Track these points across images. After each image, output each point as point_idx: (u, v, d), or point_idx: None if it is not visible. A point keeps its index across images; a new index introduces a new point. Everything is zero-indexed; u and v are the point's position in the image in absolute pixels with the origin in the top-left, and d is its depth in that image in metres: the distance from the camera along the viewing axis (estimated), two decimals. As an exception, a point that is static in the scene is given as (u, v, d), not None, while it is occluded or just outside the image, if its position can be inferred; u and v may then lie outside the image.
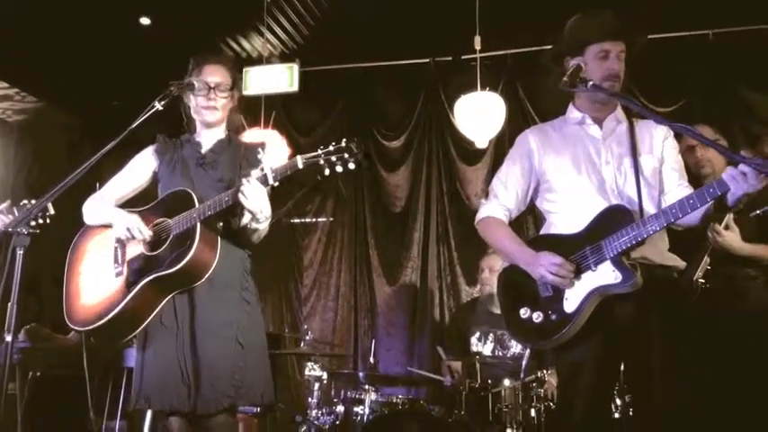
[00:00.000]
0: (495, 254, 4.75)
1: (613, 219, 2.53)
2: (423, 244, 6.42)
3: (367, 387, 4.76)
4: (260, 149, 2.74)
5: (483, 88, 5.50)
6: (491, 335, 4.98)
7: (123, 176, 3.03)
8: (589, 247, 2.54)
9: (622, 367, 2.89)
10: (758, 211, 2.46)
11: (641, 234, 2.43)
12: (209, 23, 5.93)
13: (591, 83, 2.52)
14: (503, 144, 5.95)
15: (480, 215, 2.92)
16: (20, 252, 2.51)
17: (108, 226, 2.89)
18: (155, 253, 2.75)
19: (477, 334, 5.03)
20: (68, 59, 6.13)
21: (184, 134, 3.08)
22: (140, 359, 2.79)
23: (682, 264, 2.65)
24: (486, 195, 2.97)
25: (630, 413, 3.77)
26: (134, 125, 2.70)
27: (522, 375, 4.35)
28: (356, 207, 6.64)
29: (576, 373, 2.59)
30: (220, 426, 2.70)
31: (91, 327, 2.76)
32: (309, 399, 4.91)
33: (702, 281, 3.47)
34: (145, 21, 5.96)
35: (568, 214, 2.71)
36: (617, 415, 4.04)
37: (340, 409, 4.81)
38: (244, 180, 2.61)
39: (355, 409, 4.73)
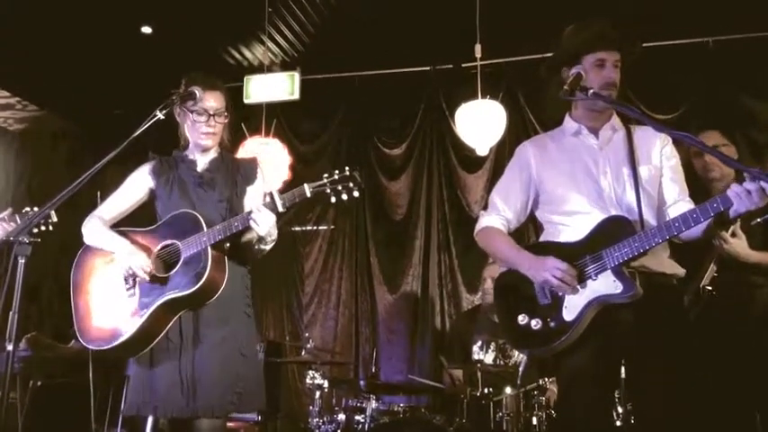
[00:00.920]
0: (496, 263, 4.75)
1: (614, 229, 2.52)
2: (424, 251, 6.43)
3: (368, 395, 4.76)
4: (273, 192, 2.76)
5: (483, 96, 5.51)
6: (493, 344, 4.97)
7: (121, 195, 3.08)
8: (589, 257, 2.54)
9: (624, 374, 2.88)
10: (758, 220, 2.46)
11: (643, 246, 2.43)
12: (211, 32, 5.96)
13: (591, 91, 2.53)
14: (503, 152, 5.97)
15: (479, 226, 2.92)
16: (21, 261, 2.52)
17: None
18: (167, 275, 2.83)
19: (479, 343, 5.02)
20: (70, 69, 6.15)
21: (176, 151, 3.13)
22: (144, 371, 2.84)
23: (681, 271, 2.64)
24: (486, 207, 2.97)
25: (632, 421, 3.77)
26: (136, 134, 2.72)
27: (518, 382, 4.35)
28: (357, 215, 6.65)
29: (575, 380, 2.58)
30: (214, 428, 2.79)
31: (107, 346, 2.83)
32: (310, 407, 4.90)
33: (709, 288, 3.47)
34: (146, 30, 5.98)
35: (567, 225, 2.70)
36: (619, 423, 4.04)
37: (341, 417, 4.79)
38: (254, 208, 2.71)
39: (356, 417, 4.72)
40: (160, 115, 2.76)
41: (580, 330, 2.50)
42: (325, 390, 4.96)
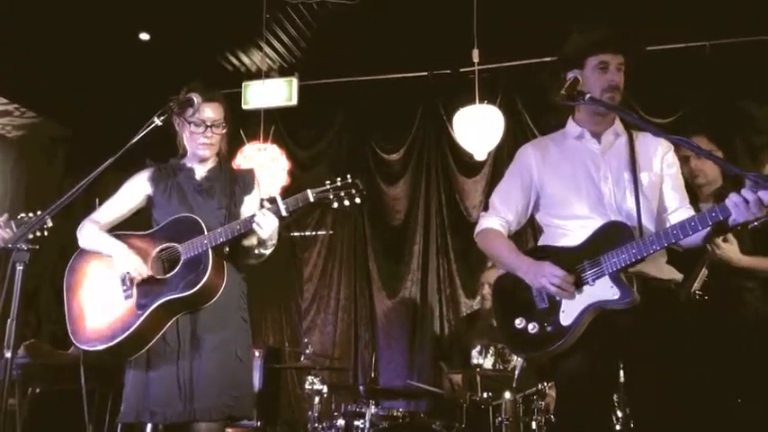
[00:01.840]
0: (495, 268, 4.75)
1: (613, 235, 2.53)
2: (422, 257, 6.43)
3: (367, 400, 4.75)
4: (276, 197, 2.79)
5: (481, 101, 5.52)
6: (492, 348, 4.97)
7: (118, 201, 3.10)
8: (587, 262, 2.54)
9: (622, 378, 2.88)
10: (755, 223, 2.46)
11: (641, 252, 2.43)
12: (209, 39, 5.96)
13: (588, 95, 2.53)
14: (501, 156, 5.98)
15: (479, 228, 2.92)
16: (19, 268, 2.53)
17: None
18: (165, 277, 2.85)
19: (478, 347, 5.02)
20: (68, 75, 6.16)
21: (173, 159, 3.15)
22: (141, 375, 2.85)
23: (679, 276, 2.65)
24: (486, 208, 2.97)
25: (631, 425, 3.77)
26: (133, 141, 2.72)
27: (514, 385, 4.35)
28: (356, 220, 6.65)
29: (573, 385, 2.59)
30: (210, 430, 2.79)
31: (102, 347, 2.83)
32: (310, 412, 4.90)
33: (700, 292, 3.47)
34: (144, 36, 5.99)
35: (566, 229, 2.70)
36: (618, 427, 4.04)
37: (340, 422, 4.79)
38: (257, 211, 2.74)
39: (355, 422, 4.71)
40: (158, 122, 2.77)
41: (577, 335, 2.50)
42: (325, 395, 4.96)
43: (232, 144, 3.29)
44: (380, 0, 5.40)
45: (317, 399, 4.87)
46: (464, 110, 5.50)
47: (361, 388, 5.04)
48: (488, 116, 5.47)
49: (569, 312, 2.54)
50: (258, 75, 6.44)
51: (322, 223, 6.78)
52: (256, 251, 2.95)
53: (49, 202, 2.67)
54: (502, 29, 5.49)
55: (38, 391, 4.82)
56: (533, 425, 4.33)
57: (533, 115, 6.16)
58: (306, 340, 5.99)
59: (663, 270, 2.60)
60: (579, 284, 2.54)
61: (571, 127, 2.83)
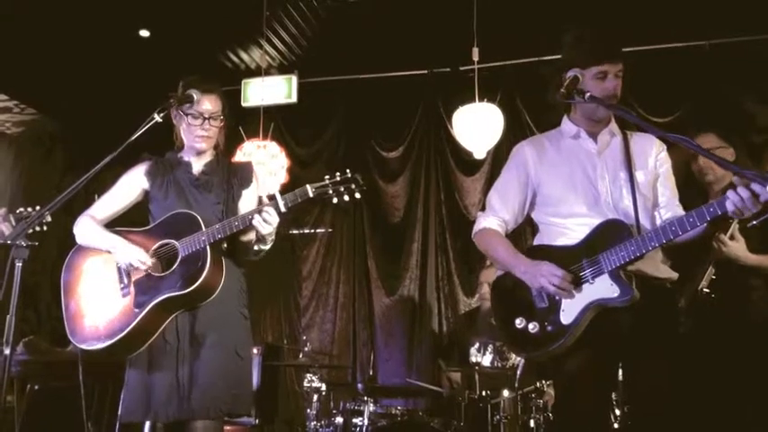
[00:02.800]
0: (493, 267, 4.75)
1: (611, 233, 2.53)
2: (421, 255, 6.43)
3: (366, 398, 4.76)
4: (276, 194, 2.77)
5: (481, 99, 5.52)
6: (490, 346, 4.98)
7: (114, 196, 3.07)
8: (586, 261, 2.54)
9: (620, 377, 2.89)
10: (754, 222, 2.47)
11: (640, 249, 2.43)
12: (209, 36, 5.96)
13: (589, 94, 2.52)
14: (501, 154, 5.96)
15: (477, 227, 2.92)
16: (18, 264, 2.52)
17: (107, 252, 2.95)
18: (163, 274, 2.83)
19: (477, 345, 5.03)
20: (67, 72, 6.16)
21: (170, 153, 3.12)
22: (140, 373, 2.83)
23: (674, 275, 2.65)
24: (484, 208, 2.97)
25: (629, 423, 3.77)
26: (133, 137, 2.71)
27: (516, 385, 4.35)
28: (355, 218, 6.65)
29: (573, 383, 2.59)
30: (207, 428, 2.78)
31: (101, 345, 2.82)
32: (308, 410, 4.90)
33: (707, 290, 3.48)
34: (144, 33, 5.98)
35: (563, 227, 2.71)
36: (616, 425, 4.04)
37: (339, 420, 4.79)
38: (263, 209, 2.73)
39: (354, 420, 4.72)
40: (158, 118, 2.75)
41: (577, 334, 2.51)
42: (323, 393, 4.96)
43: (231, 141, 3.27)
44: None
45: (315, 396, 4.88)
46: (463, 108, 5.50)
47: (359, 386, 5.05)
48: (488, 114, 5.47)
49: (569, 311, 2.54)
50: (258, 72, 6.44)
51: (321, 221, 6.78)
52: (255, 247, 2.93)
53: (48, 199, 2.66)
54: (502, 27, 5.50)
55: (36, 387, 4.82)
56: (531, 423, 4.34)
57: (533, 114, 6.16)
58: (304, 338, 6.00)
59: (660, 269, 2.61)
60: (578, 283, 2.54)
61: (567, 126, 2.83)
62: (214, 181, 3.01)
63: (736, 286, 3.57)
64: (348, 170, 2.71)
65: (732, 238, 3.41)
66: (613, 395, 3.98)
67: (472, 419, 4.44)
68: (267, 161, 5.99)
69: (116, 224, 3.06)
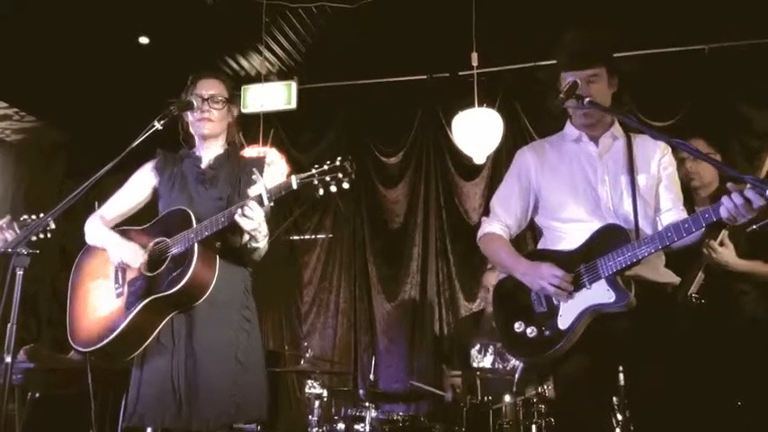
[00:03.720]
0: (495, 270, 4.75)
1: (609, 238, 2.54)
2: (422, 260, 6.43)
3: (367, 404, 4.76)
4: (255, 170, 2.70)
5: (480, 104, 5.52)
6: (491, 347, 4.99)
7: (123, 194, 3.03)
8: (584, 266, 2.55)
9: (622, 381, 2.89)
10: (754, 227, 2.48)
11: (636, 255, 2.44)
12: (208, 42, 5.97)
13: (588, 99, 2.54)
14: (500, 159, 5.98)
15: (481, 232, 2.94)
16: (19, 272, 2.51)
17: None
18: (153, 274, 2.75)
19: (478, 346, 5.03)
20: (67, 79, 6.16)
21: (183, 149, 3.08)
22: (137, 377, 2.76)
23: (676, 279, 2.66)
24: (487, 213, 2.99)
25: (632, 428, 3.77)
26: (133, 145, 2.71)
27: (514, 389, 4.35)
28: (355, 224, 6.66)
29: (571, 388, 2.60)
30: None
31: (92, 348, 2.76)
32: (310, 416, 4.90)
33: (697, 296, 3.48)
34: (144, 40, 5.99)
35: (564, 232, 2.72)
36: (618, 430, 4.04)
37: (340, 426, 4.79)
38: (242, 203, 2.61)
39: (356, 426, 4.72)
40: (158, 126, 2.74)
41: (574, 339, 2.51)
42: (325, 399, 4.96)
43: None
44: (379, 4, 5.41)
45: (317, 403, 4.88)
46: (463, 113, 5.50)
47: (361, 391, 5.04)
48: (487, 120, 5.47)
49: (567, 316, 2.55)
50: (257, 78, 6.44)
51: (321, 227, 6.79)
52: (249, 246, 2.78)
53: (50, 206, 2.65)
54: (501, 32, 5.50)
55: (37, 395, 4.81)
56: (533, 428, 4.33)
57: (532, 119, 6.17)
58: (306, 344, 6.00)
59: (660, 273, 2.61)
60: (577, 288, 2.55)
61: (569, 129, 2.85)
62: (221, 176, 2.93)
63: (725, 292, 3.59)
64: (339, 158, 2.54)
65: (722, 244, 3.43)
66: (615, 399, 3.98)
67: (474, 425, 4.43)
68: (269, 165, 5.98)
69: (128, 223, 3.03)
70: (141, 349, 2.74)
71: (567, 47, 2.73)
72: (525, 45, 5.72)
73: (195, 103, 2.91)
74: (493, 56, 5.73)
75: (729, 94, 5.62)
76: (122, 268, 2.84)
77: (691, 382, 3.12)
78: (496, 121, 5.50)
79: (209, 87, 2.96)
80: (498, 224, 2.89)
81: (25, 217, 2.83)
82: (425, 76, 6.51)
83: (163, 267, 2.73)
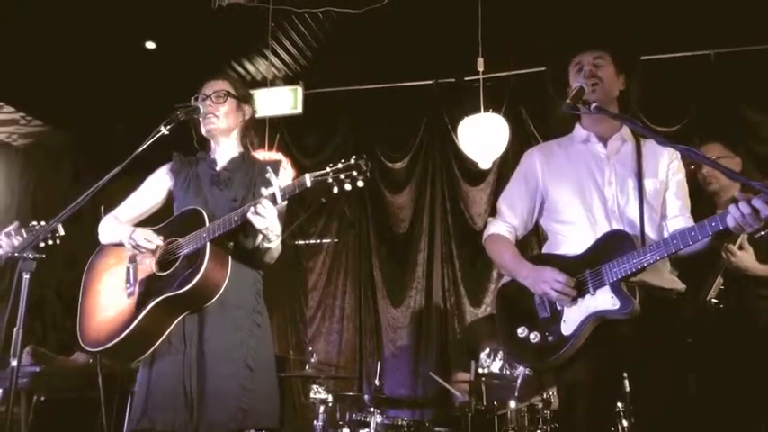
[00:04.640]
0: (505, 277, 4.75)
1: (614, 244, 2.51)
2: (427, 265, 6.42)
3: (372, 409, 4.74)
4: (270, 169, 2.68)
5: (486, 110, 5.52)
6: (500, 352, 4.98)
7: (138, 196, 3.03)
8: (589, 271, 2.53)
9: (627, 388, 2.88)
10: (762, 233, 2.45)
11: (641, 263, 2.41)
12: (215, 47, 5.98)
13: (594, 105, 2.53)
14: (506, 164, 5.98)
15: (486, 233, 2.93)
16: (26, 277, 2.51)
17: (122, 245, 2.87)
18: (165, 273, 2.73)
19: (487, 350, 5.03)
20: (74, 84, 6.18)
21: (199, 152, 3.08)
22: (146, 379, 2.73)
23: (681, 286, 2.63)
24: (494, 214, 2.98)
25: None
26: (140, 149, 2.70)
27: (516, 394, 4.34)
28: (360, 228, 6.66)
29: (573, 394, 2.58)
30: None
31: (102, 347, 2.74)
32: (315, 422, 4.88)
33: (716, 301, 3.47)
34: (150, 45, 6.01)
35: (569, 235, 2.70)
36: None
37: (345, 431, 4.78)
38: (255, 200, 2.60)
39: (361, 431, 4.70)
40: (164, 131, 2.73)
41: (577, 346, 2.49)
42: (330, 404, 4.94)
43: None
44: (385, 9, 5.42)
45: (321, 408, 4.86)
46: (469, 118, 5.51)
47: (366, 397, 5.03)
48: (493, 125, 5.47)
49: (570, 322, 2.53)
50: (263, 83, 6.46)
51: (327, 231, 6.79)
52: (261, 246, 2.77)
53: (57, 211, 2.65)
54: (507, 37, 5.51)
55: (42, 399, 4.82)
56: (538, 434, 4.32)
57: (538, 124, 6.17)
58: (310, 349, 5.97)
59: (664, 279, 2.59)
60: (581, 294, 2.53)
61: (578, 131, 2.84)
62: (236, 177, 2.92)
63: (744, 296, 3.56)
64: (354, 156, 2.52)
65: (741, 248, 3.41)
66: (620, 406, 3.97)
67: (479, 430, 4.42)
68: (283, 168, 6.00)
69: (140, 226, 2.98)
70: (151, 351, 2.71)
71: (570, 35, 2.75)
72: (531, 50, 5.71)
73: (201, 108, 2.91)
74: (499, 61, 5.74)
75: (735, 99, 5.61)
76: (134, 267, 2.82)
77: (701, 387, 3.11)
78: (502, 126, 5.49)
79: (213, 85, 3.00)
80: (504, 225, 2.88)
81: (34, 223, 2.83)
82: (431, 82, 6.52)
83: (175, 267, 2.71)
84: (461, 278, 6.30)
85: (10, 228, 2.95)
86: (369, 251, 6.61)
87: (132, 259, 2.85)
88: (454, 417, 4.89)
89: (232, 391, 2.66)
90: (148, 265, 2.81)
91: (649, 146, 2.74)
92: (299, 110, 6.34)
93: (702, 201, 3.04)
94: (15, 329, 2.45)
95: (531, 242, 5.49)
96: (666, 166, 2.71)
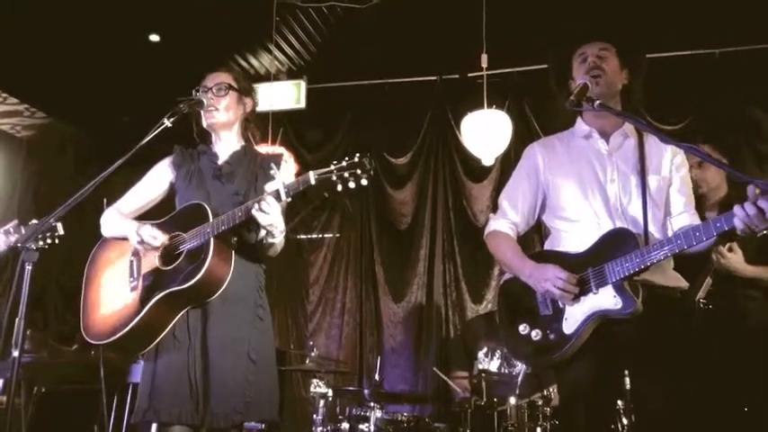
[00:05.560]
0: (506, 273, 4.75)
1: (618, 242, 2.49)
2: (428, 261, 6.43)
3: (372, 404, 4.75)
4: (273, 164, 2.70)
5: (489, 106, 5.51)
6: (498, 351, 4.98)
7: (140, 189, 3.02)
8: (591, 270, 2.51)
9: (628, 386, 2.87)
10: (765, 231, 2.45)
11: (645, 262, 2.39)
12: (218, 41, 5.98)
13: (598, 102, 2.50)
14: (509, 161, 5.96)
15: (488, 230, 2.91)
16: (28, 267, 2.51)
17: (126, 239, 2.86)
18: (169, 267, 2.73)
19: (485, 349, 5.03)
20: (78, 76, 6.19)
21: (201, 145, 3.06)
22: (150, 372, 2.73)
23: (685, 284, 2.61)
24: (495, 209, 2.97)
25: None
26: (143, 142, 2.69)
27: (517, 392, 4.34)
28: (362, 224, 6.66)
29: (575, 392, 2.56)
30: None
31: (106, 341, 2.74)
32: (314, 416, 4.90)
33: (704, 301, 3.46)
34: (154, 38, 6.01)
35: (572, 232, 2.68)
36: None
37: (345, 426, 4.78)
38: (258, 197, 2.59)
39: (360, 426, 4.71)
40: (168, 123, 2.71)
41: (578, 344, 2.48)
42: (329, 398, 4.95)
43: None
44: (389, 4, 5.41)
45: (321, 402, 4.88)
46: (472, 114, 5.50)
47: (365, 391, 5.04)
48: (496, 121, 5.47)
49: (572, 321, 2.51)
50: (267, 77, 6.46)
51: (328, 226, 6.79)
52: (264, 241, 2.77)
53: (59, 204, 2.64)
54: (511, 34, 5.50)
55: (43, 390, 4.83)
56: (538, 430, 4.32)
57: (541, 120, 6.17)
58: (311, 343, 5.98)
59: (669, 277, 2.57)
60: (583, 292, 2.51)
61: (579, 126, 2.80)
62: (238, 172, 2.91)
63: (733, 297, 3.57)
64: (358, 154, 2.52)
65: (730, 249, 3.41)
66: (620, 403, 3.97)
67: (479, 427, 4.42)
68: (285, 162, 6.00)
69: (142, 219, 2.97)
70: (154, 344, 2.72)
71: (574, 27, 2.74)
72: (535, 47, 5.69)
73: (204, 100, 2.91)
74: (503, 58, 5.74)
75: (740, 98, 5.61)
76: (137, 261, 2.82)
77: (697, 387, 3.11)
78: (505, 122, 5.49)
79: (214, 78, 2.98)
80: (505, 222, 2.86)
81: (34, 221, 2.83)
82: (435, 77, 6.51)
83: (178, 261, 2.71)
84: (463, 274, 6.30)
85: (9, 225, 2.96)
86: (370, 246, 6.61)
87: (135, 253, 2.84)
88: (454, 413, 4.90)
89: (236, 383, 2.66)
90: (152, 260, 2.80)
91: (652, 141, 2.70)
92: (303, 104, 6.34)
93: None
94: (17, 320, 2.45)
95: (534, 239, 5.50)
96: (669, 161, 2.68)
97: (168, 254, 2.78)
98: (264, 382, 2.78)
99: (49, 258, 2.68)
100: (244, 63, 6.47)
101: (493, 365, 4.95)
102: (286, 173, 2.85)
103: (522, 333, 2.64)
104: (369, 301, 6.51)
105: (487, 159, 5.67)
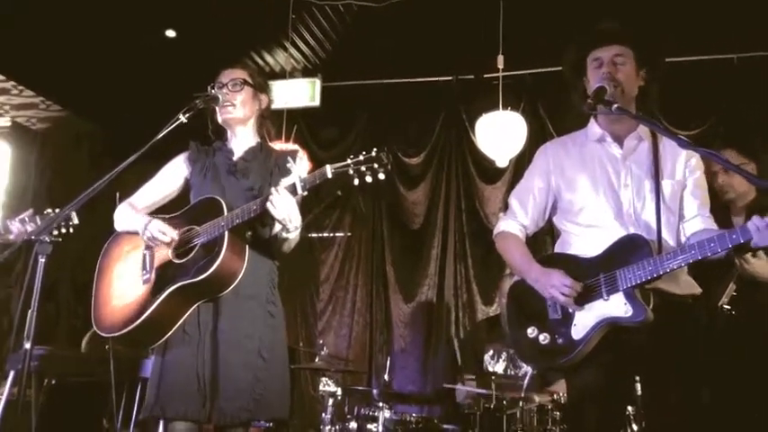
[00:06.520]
0: (512, 275, 4.73)
1: (631, 249, 2.45)
2: (440, 261, 6.42)
3: (381, 404, 4.74)
4: (290, 158, 2.68)
5: (504, 107, 5.49)
6: (504, 353, 4.97)
7: (155, 183, 3.02)
8: (603, 275, 2.47)
9: (639, 392, 2.85)
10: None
11: (657, 270, 2.35)
12: (234, 37, 5.99)
13: (616, 105, 2.46)
14: (523, 163, 5.92)
15: (497, 230, 2.89)
16: (42, 260, 2.51)
17: (137, 233, 2.85)
18: (182, 261, 2.73)
19: (491, 352, 5.02)
20: (94, 70, 6.20)
21: (216, 141, 3.06)
22: (159, 366, 2.72)
23: (698, 290, 2.58)
24: (506, 210, 2.94)
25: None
26: (158, 137, 2.70)
27: (522, 394, 4.33)
28: (374, 223, 6.66)
29: (584, 398, 2.54)
30: None
31: (117, 333, 2.73)
32: (323, 414, 4.90)
33: (728, 307, 3.43)
34: (170, 33, 6.03)
35: (583, 235, 2.65)
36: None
37: (353, 425, 4.78)
38: (272, 189, 2.57)
39: (368, 426, 4.71)
40: (183, 119, 2.71)
41: (586, 351, 2.45)
42: (338, 397, 4.95)
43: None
44: (405, 3, 5.40)
45: (330, 400, 4.87)
46: (487, 116, 5.48)
47: (374, 391, 5.03)
48: (511, 123, 5.45)
49: (581, 326, 2.48)
50: (282, 75, 6.46)
51: (340, 225, 6.79)
52: (279, 236, 2.75)
53: (72, 196, 2.64)
54: (527, 35, 5.48)
55: (54, 382, 4.85)
56: (547, 435, 4.31)
57: (556, 122, 6.13)
58: (321, 341, 5.99)
59: (681, 285, 2.53)
60: (593, 298, 2.48)
61: (593, 128, 2.75)
62: (253, 167, 2.91)
63: (757, 303, 3.52)
64: (375, 149, 2.50)
65: (755, 255, 3.36)
66: (631, 409, 3.94)
67: (488, 430, 4.41)
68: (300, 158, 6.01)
69: (156, 214, 2.98)
70: (165, 338, 2.71)
71: (594, 27, 2.70)
72: (551, 49, 5.65)
73: (220, 96, 2.90)
74: (518, 59, 5.71)
75: (759, 103, 5.55)
76: (150, 254, 2.82)
77: (717, 392, 3.08)
78: (520, 124, 5.47)
79: (230, 74, 2.98)
80: (515, 223, 2.83)
81: (48, 211, 2.83)
82: (450, 78, 6.50)
83: (192, 254, 2.70)
84: (474, 276, 6.29)
85: (24, 214, 2.96)
86: (381, 246, 6.60)
87: (149, 246, 2.84)
88: (463, 415, 4.88)
89: (245, 380, 2.65)
90: (165, 253, 2.80)
91: (668, 144, 2.65)
92: (317, 102, 6.33)
93: (716, 208, 2.97)
94: (30, 312, 2.46)
95: (546, 241, 5.47)
96: (684, 164, 2.63)
97: (182, 247, 2.77)
98: (275, 380, 2.75)
99: (62, 252, 2.68)
100: (259, 60, 6.48)
101: (499, 367, 4.94)
102: (300, 168, 2.82)
103: (530, 336, 2.62)
104: (379, 301, 6.51)
105: (501, 161, 5.66)
